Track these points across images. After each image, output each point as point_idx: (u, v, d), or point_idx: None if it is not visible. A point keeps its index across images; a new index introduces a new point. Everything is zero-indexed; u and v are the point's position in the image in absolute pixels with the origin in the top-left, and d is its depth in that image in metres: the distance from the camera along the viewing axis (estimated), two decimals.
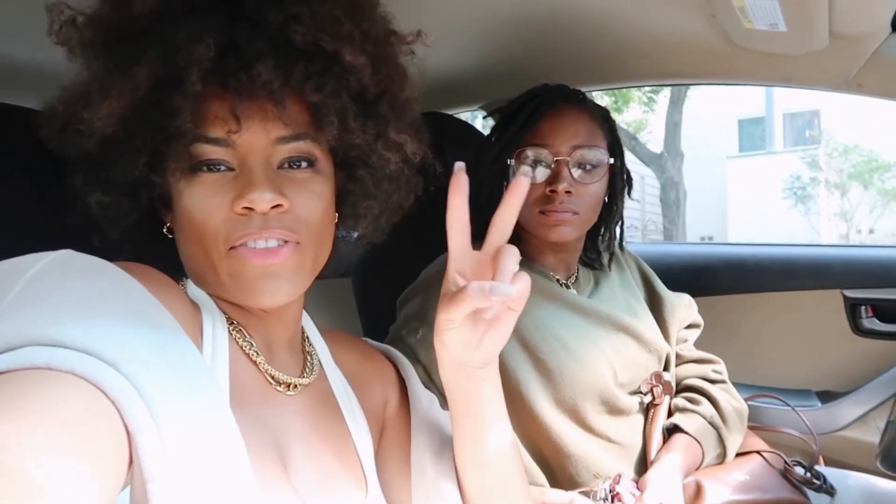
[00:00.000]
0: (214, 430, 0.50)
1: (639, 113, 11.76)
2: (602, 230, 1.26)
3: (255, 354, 0.71)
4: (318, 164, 0.70)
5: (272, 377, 0.72)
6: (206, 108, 0.64)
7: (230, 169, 0.65)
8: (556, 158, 1.12)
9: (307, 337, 0.82)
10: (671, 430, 1.17)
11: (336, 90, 0.66)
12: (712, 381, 1.26)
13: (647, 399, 1.18)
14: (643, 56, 1.37)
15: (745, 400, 1.28)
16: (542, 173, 1.13)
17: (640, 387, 1.18)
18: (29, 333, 0.45)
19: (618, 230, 1.29)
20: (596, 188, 1.16)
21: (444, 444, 0.82)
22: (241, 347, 0.71)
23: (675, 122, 9.86)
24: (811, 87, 1.33)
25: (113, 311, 0.51)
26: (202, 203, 0.64)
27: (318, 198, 0.69)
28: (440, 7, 1.19)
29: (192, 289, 0.71)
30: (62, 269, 0.53)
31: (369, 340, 0.95)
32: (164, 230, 0.71)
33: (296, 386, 0.74)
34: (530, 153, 1.13)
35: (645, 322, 1.23)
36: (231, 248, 0.65)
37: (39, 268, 0.52)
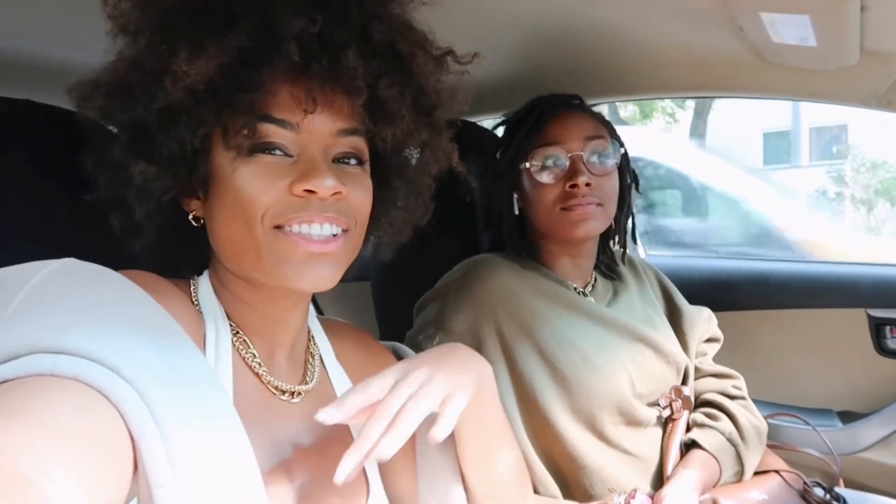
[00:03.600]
0: (221, 435, 0.50)
1: (662, 124, 11.67)
2: (613, 229, 1.25)
3: (257, 366, 0.72)
4: (365, 165, 0.73)
5: (274, 387, 0.73)
6: (280, 91, 0.66)
7: (287, 155, 0.67)
8: (570, 154, 1.13)
9: (312, 337, 0.83)
10: (689, 446, 1.16)
11: (404, 90, 0.69)
12: (731, 397, 1.25)
13: (666, 413, 1.17)
14: (669, 68, 1.36)
15: (765, 418, 1.26)
16: (555, 174, 1.13)
17: (658, 400, 1.17)
18: (32, 342, 0.46)
19: (629, 227, 1.29)
20: (613, 180, 1.17)
21: (449, 444, 0.82)
22: (244, 358, 0.72)
23: (700, 134, 9.77)
24: (840, 103, 1.31)
25: (116, 317, 0.51)
26: (256, 181, 0.65)
27: (367, 192, 0.73)
28: (461, 16, 1.19)
29: (202, 292, 0.72)
30: (65, 277, 0.54)
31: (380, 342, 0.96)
32: (190, 217, 0.71)
33: (299, 393, 0.75)
34: (543, 154, 1.14)
35: (664, 334, 1.22)
36: (277, 226, 0.66)
37: (42, 277, 0.52)
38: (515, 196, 1.20)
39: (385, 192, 0.80)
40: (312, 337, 0.83)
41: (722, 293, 1.63)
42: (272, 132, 0.66)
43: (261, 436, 0.68)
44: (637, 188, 1.28)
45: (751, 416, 1.22)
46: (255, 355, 0.72)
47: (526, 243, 1.22)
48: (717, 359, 1.34)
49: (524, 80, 1.47)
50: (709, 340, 1.33)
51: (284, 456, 0.70)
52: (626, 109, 10.10)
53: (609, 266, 1.30)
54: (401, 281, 1.26)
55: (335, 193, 0.66)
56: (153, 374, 0.48)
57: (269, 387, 0.73)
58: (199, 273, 0.75)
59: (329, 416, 0.62)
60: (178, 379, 0.50)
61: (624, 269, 1.32)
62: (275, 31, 0.62)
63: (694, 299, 1.38)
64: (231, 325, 0.72)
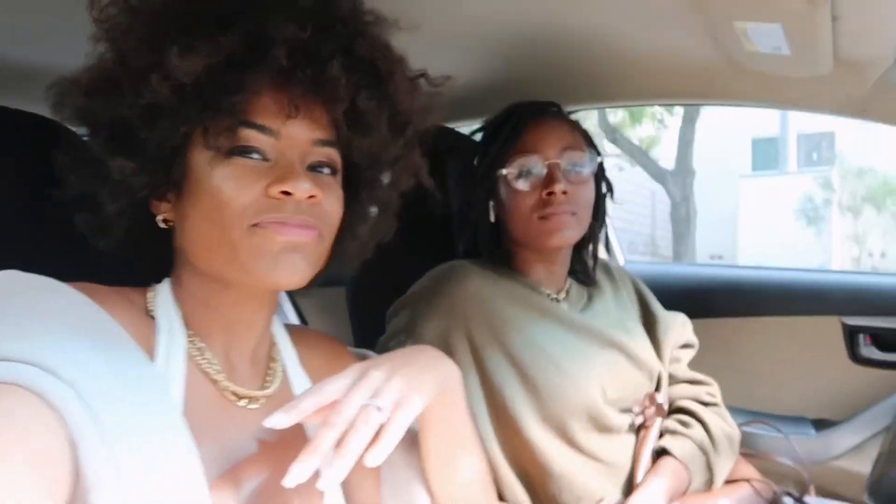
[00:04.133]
0: (165, 440, 0.50)
1: (651, 129, 11.74)
2: (587, 237, 1.25)
3: (214, 372, 0.71)
4: (337, 175, 0.74)
5: (232, 392, 0.72)
6: (263, 97, 0.67)
7: (265, 159, 0.68)
8: (547, 162, 1.13)
9: (275, 344, 0.82)
10: (660, 453, 1.15)
11: (381, 104, 0.72)
12: (705, 404, 1.25)
13: (639, 420, 1.17)
14: (647, 75, 1.36)
15: (739, 425, 1.26)
16: (532, 181, 1.13)
17: (631, 406, 1.17)
18: None
19: (602, 237, 1.29)
20: (589, 188, 1.17)
21: (415, 447, 0.81)
22: (199, 364, 0.71)
23: (688, 140, 9.83)
24: (816, 111, 1.32)
25: (58, 324, 0.52)
26: (233, 182, 0.66)
27: (339, 201, 0.74)
28: (441, 19, 1.19)
29: (159, 299, 0.71)
30: (5, 287, 0.54)
31: (349, 348, 0.95)
32: (159, 219, 0.71)
33: (258, 399, 0.74)
34: (521, 161, 1.14)
35: (637, 340, 1.22)
36: (254, 224, 0.66)
37: None
38: (491, 203, 1.20)
39: (354, 205, 0.81)
40: (276, 343, 0.82)
41: (699, 300, 1.63)
42: (252, 136, 0.67)
43: (214, 442, 0.67)
44: (612, 197, 1.28)
45: (723, 424, 1.22)
46: (211, 360, 0.72)
47: (501, 250, 1.22)
48: (693, 365, 1.34)
49: (503, 86, 1.47)
50: (683, 346, 1.33)
51: (234, 464, 0.69)
52: (617, 115, 10.17)
53: (584, 272, 1.30)
54: (375, 286, 1.24)
55: (311, 197, 0.67)
56: (95, 378, 0.48)
57: (227, 393, 0.72)
58: (160, 280, 0.75)
59: (279, 420, 0.61)
60: (121, 384, 0.50)
61: (600, 276, 1.31)
62: (266, 35, 0.64)
63: (670, 306, 1.38)
64: (188, 332, 0.71)
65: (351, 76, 0.68)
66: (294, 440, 0.74)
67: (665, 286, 1.59)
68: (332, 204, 0.72)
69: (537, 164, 1.13)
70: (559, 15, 1.18)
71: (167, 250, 0.74)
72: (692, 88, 1.38)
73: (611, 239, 1.78)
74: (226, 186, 0.66)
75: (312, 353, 0.86)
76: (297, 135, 0.69)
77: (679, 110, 9.84)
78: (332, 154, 0.73)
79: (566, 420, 1.07)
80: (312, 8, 0.69)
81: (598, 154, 1.20)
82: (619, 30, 1.22)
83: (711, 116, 11.23)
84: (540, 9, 1.16)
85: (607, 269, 1.35)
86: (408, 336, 1.09)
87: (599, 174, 1.22)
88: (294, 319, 1.65)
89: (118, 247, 0.72)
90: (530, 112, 1.18)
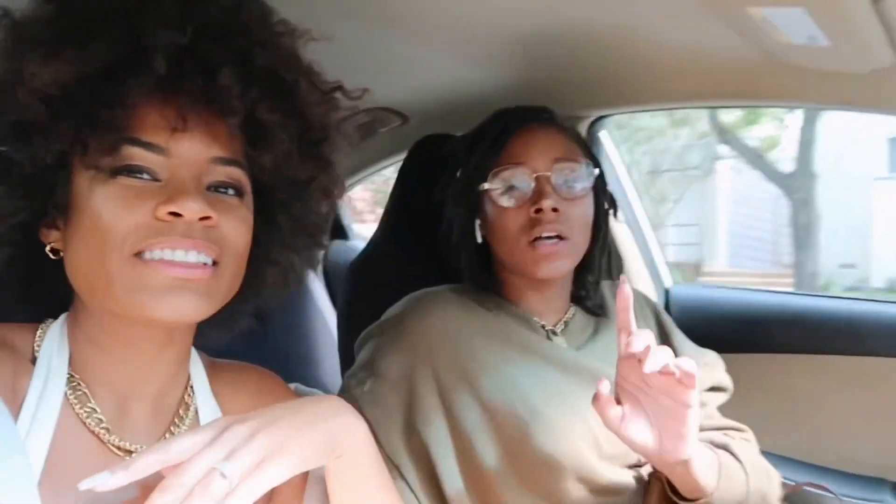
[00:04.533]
0: None
1: (771, 129, 10.92)
2: (588, 262, 1.09)
3: (94, 423, 0.65)
4: (245, 197, 0.68)
5: (117, 447, 0.65)
6: (148, 111, 0.61)
7: (155, 179, 0.62)
8: (535, 175, 0.99)
9: (190, 386, 0.74)
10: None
11: (286, 118, 0.66)
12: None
13: (647, 470, 0.99)
14: (673, 77, 1.18)
15: (788, 490, 1.05)
16: (519, 197, 0.99)
17: (639, 458, 1.00)
18: None
19: (604, 262, 1.12)
20: (584, 207, 1.02)
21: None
22: (78, 415, 0.64)
23: (809, 140, 9.06)
24: (879, 112, 1.08)
25: None
26: (114, 205, 0.60)
27: (244, 224, 0.67)
28: (450, 26, 1.08)
29: (47, 339, 0.66)
30: None
31: (300, 386, 0.86)
32: (48, 250, 0.66)
33: None
34: (505, 175, 1.00)
35: None
36: (136, 253, 0.60)
37: None
38: (478, 222, 1.07)
39: (269, 230, 0.74)
40: (192, 386, 0.75)
41: (754, 331, 1.38)
42: (137, 154, 0.61)
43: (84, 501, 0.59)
44: (615, 214, 1.11)
45: (761, 459, 1.02)
46: (95, 410, 0.65)
47: (487, 276, 1.08)
48: (743, 409, 1.13)
49: (517, 92, 1.33)
50: (711, 389, 1.13)
51: None
52: (732, 114, 9.53)
53: (591, 300, 1.14)
54: (370, 315, 1.13)
55: (204, 218, 0.61)
56: None
57: (109, 446, 0.65)
58: (56, 317, 0.69)
59: (103, 480, 0.51)
60: None
61: (611, 303, 1.15)
62: (141, 43, 0.58)
63: (717, 337, 1.19)
64: (72, 377, 0.65)
65: (249, 88, 0.62)
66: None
67: (713, 313, 1.39)
68: (233, 228, 0.65)
69: (524, 178, 0.99)
70: (568, 16, 1.04)
71: (60, 286, 0.67)
72: (730, 89, 1.18)
73: (655, 258, 1.59)
74: (107, 209, 0.60)
75: (237, 394, 0.78)
76: (190, 152, 0.63)
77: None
78: (235, 173, 0.67)
79: (551, 481, 0.93)
80: (197, 14, 0.62)
81: (597, 166, 1.04)
82: (632, 28, 1.06)
83: (837, 116, 10.27)
84: (552, 9, 1.02)
85: None
86: (368, 373, 0.99)
87: (599, 189, 1.06)
88: (325, 303, 1.53)
89: (14, 294, 0.68)
90: (517, 119, 1.04)
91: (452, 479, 0.93)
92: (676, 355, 1.09)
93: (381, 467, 0.72)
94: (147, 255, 0.60)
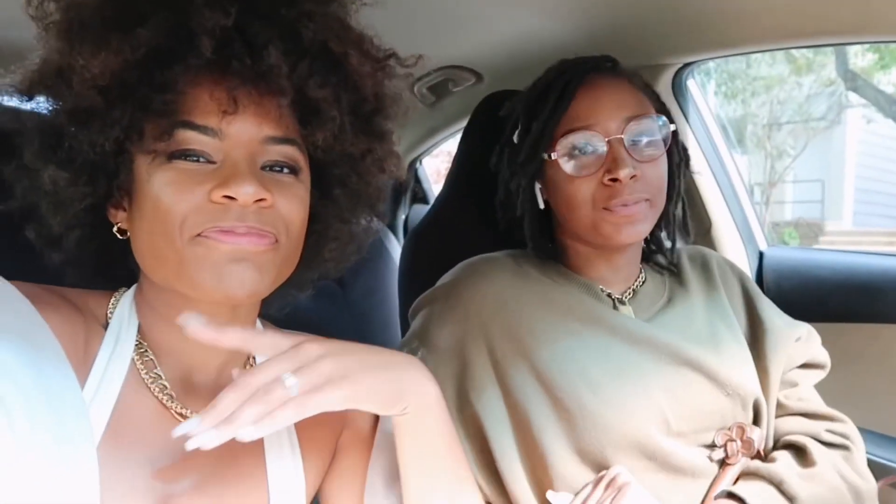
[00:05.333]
0: (68, 467, 0.51)
1: None
2: (662, 220, 1.00)
3: (159, 389, 0.68)
4: (301, 175, 0.68)
5: (180, 414, 0.68)
6: (199, 94, 0.62)
7: (209, 162, 0.63)
8: (607, 139, 0.90)
9: (251, 358, 0.76)
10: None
11: (337, 92, 0.65)
12: (825, 444, 0.95)
13: (719, 455, 0.92)
14: (771, 12, 1.04)
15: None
16: (590, 164, 0.92)
17: (714, 438, 0.92)
18: None
19: (679, 214, 1.02)
20: (661, 166, 0.94)
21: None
22: (143, 381, 0.67)
23: None
24: None
25: None
26: (171, 189, 0.62)
27: (300, 202, 0.67)
28: None
29: (119, 307, 0.69)
30: None
31: None
32: (115, 230, 0.68)
33: None
34: (573, 140, 0.92)
35: (727, 355, 0.95)
36: (197, 234, 0.62)
37: None
38: (539, 187, 1.00)
39: (327, 205, 0.74)
40: (254, 357, 0.77)
41: (853, 298, 1.23)
42: (192, 139, 0.62)
43: (135, 467, 0.64)
44: (688, 166, 1.01)
45: (849, 472, 0.92)
46: (160, 377, 0.68)
47: (548, 243, 1.02)
48: (842, 384, 1.03)
49: (594, 43, 1.23)
50: (804, 366, 1.03)
51: (167, 493, 0.65)
52: (864, 57, 8.66)
53: (666, 258, 1.05)
54: (429, 282, 1.10)
55: (259, 201, 0.62)
56: (22, 391, 0.50)
57: (173, 412, 0.68)
58: (129, 286, 0.72)
59: (193, 425, 0.54)
60: (45, 402, 0.52)
61: (693, 271, 1.06)
62: (187, 25, 0.58)
63: (814, 304, 1.07)
64: (141, 344, 0.69)
65: (298, 63, 0.62)
66: (250, 469, 0.71)
67: (812, 279, 1.26)
68: (289, 207, 0.65)
69: (595, 143, 0.91)
70: None
71: (129, 261, 0.70)
72: (840, 22, 1.02)
73: (748, 217, 1.45)
74: (165, 193, 0.61)
75: None
76: (242, 133, 0.63)
77: None
78: (290, 152, 0.66)
79: (609, 456, 0.87)
80: None
81: (671, 119, 0.95)
82: None
83: None
84: None
85: (705, 263, 1.08)
86: (420, 343, 0.96)
87: (672, 143, 0.96)
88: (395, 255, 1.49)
89: (72, 260, 0.70)
90: (579, 73, 0.95)
91: (506, 452, 0.90)
92: (764, 328, 1.01)
93: (451, 436, 0.72)
94: (209, 235, 0.62)
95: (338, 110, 0.65)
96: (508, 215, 1.05)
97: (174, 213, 0.61)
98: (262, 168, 0.65)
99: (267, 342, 0.61)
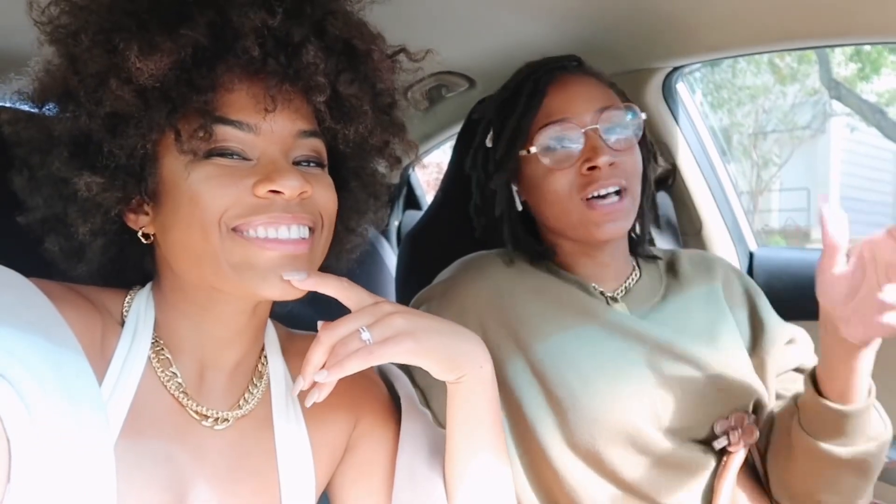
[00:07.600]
0: (85, 458, 0.53)
1: (894, 81, 9.97)
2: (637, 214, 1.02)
3: (174, 387, 0.68)
4: (325, 168, 0.70)
5: (195, 411, 0.69)
6: (236, 90, 0.63)
7: (245, 159, 0.64)
8: (583, 130, 0.92)
9: (264, 355, 0.77)
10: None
11: (363, 87, 0.67)
12: None
13: (720, 444, 0.93)
14: (761, 15, 1.06)
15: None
16: (567, 156, 0.93)
17: (714, 426, 0.93)
18: None
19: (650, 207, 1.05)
20: (636, 154, 0.96)
21: (437, 450, 0.78)
22: (159, 378, 0.68)
23: None
24: None
25: (14, 322, 0.54)
26: (212, 184, 0.62)
27: (332, 192, 0.70)
28: None
29: (135, 304, 0.70)
30: None
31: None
32: (140, 234, 0.68)
33: (226, 419, 0.71)
34: (550, 133, 0.94)
35: (726, 353, 0.97)
36: (233, 228, 0.63)
37: None
38: (515, 188, 1.01)
39: (344, 196, 0.76)
40: (265, 356, 0.77)
41: None
42: (229, 135, 0.63)
43: (152, 463, 0.64)
44: (656, 161, 1.03)
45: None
46: (175, 374, 0.69)
47: (534, 242, 1.03)
48: None
49: (584, 48, 1.25)
50: (797, 370, 1.03)
51: (182, 488, 0.66)
52: (847, 67, 8.78)
53: (644, 248, 1.07)
54: (425, 284, 1.12)
55: (301, 193, 0.64)
56: (41, 385, 0.51)
57: (188, 410, 0.69)
58: (143, 284, 0.73)
59: (299, 277, 0.64)
60: (65, 395, 0.53)
61: (692, 270, 1.07)
62: (232, 25, 0.59)
63: (803, 304, 1.07)
64: (157, 342, 0.69)
65: (328, 60, 0.63)
66: (262, 463, 0.72)
67: (802, 279, 1.28)
68: (324, 197, 0.68)
69: (571, 134, 0.93)
70: None
71: (146, 263, 0.72)
72: (825, 23, 1.05)
73: (738, 219, 1.47)
74: (205, 188, 0.62)
75: None
76: (277, 129, 0.64)
77: None
78: (317, 145, 0.68)
79: (601, 450, 0.89)
80: None
81: (640, 111, 0.97)
82: None
83: None
84: None
85: (706, 262, 1.09)
86: None
87: (642, 137, 0.99)
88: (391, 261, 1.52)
89: (98, 271, 0.70)
90: (548, 70, 0.98)
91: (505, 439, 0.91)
92: (763, 327, 1.02)
93: (497, 414, 0.75)
94: (251, 234, 0.63)
95: (365, 104, 0.67)
96: (484, 220, 1.06)
97: (215, 206, 0.61)
98: (293, 163, 0.66)
99: (354, 296, 0.68)
